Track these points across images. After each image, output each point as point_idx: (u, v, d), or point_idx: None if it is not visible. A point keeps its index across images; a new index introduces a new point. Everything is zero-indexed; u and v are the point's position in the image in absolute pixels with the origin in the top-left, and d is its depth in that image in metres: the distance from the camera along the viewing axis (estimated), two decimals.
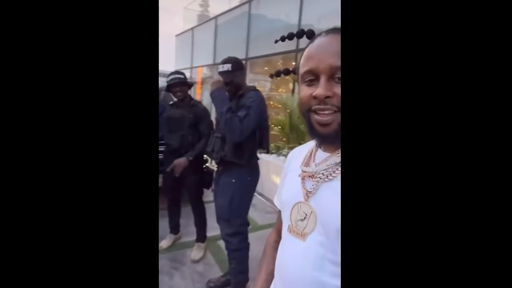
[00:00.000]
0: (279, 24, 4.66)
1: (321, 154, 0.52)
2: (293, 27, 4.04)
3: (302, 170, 0.53)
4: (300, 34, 0.62)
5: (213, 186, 1.70)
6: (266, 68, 5.74)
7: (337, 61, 0.44)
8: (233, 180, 1.48)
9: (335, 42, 0.45)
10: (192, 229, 2.09)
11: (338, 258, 0.43)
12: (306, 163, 0.53)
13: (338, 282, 0.43)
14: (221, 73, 1.49)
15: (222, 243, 2.07)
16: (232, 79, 1.47)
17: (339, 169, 0.47)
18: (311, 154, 0.55)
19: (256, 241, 1.59)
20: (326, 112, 0.45)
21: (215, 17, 6.69)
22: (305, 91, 0.47)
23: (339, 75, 0.44)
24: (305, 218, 0.48)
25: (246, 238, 1.56)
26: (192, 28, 8.14)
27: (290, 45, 4.01)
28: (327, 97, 0.44)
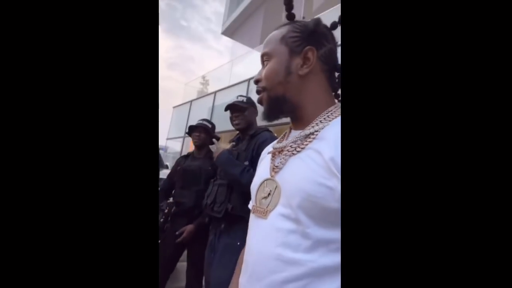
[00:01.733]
0: None
1: (293, 133, 0.53)
2: None
3: (273, 148, 0.53)
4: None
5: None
6: None
7: (264, 49, 0.54)
8: (238, 243, 1.08)
9: (272, 34, 0.54)
10: None
11: (305, 228, 0.41)
12: (279, 141, 0.55)
13: (306, 256, 0.40)
14: (233, 105, 1.37)
15: None
16: (244, 115, 1.35)
17: (308, 140, 0.47)
18: (284, 134, 0.57)
19: None
20: (259, 92, 0.53)
21: (214, 93, 7.16)
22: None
23: (265, 59, 0.53)
24: (269, 195, 0.47)
25: None
26: (190, 101, 8.62)
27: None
28: (257, 80, 0.54)
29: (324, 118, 0.49)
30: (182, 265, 1.73)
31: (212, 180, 1.35)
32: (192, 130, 1.73)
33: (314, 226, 0.41)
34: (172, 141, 9.61)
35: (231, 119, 1.40)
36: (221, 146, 1.29)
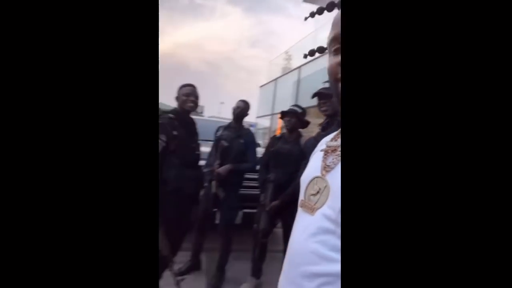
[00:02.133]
0: None
1: None
2: None
3: (326, 145, 0.51)
4: (320, 10, 0.66)
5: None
6: None
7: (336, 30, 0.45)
8: None
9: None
10: (275, 278, 1.87)
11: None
12: (333, 139, 0.53)
13: (339, 256, 0.39)
14: (320, 93, 1.45)
15: None
16: (331, 101, 1.42)
17: None
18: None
19: None
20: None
21: (299, 67, 7.07)
22: (332, 60, 0.47)
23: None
24: (318, 192, 0.47)
25: None
26: (275, 79, 8.78)
27: None
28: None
29: None
30: (280, 231, 1.96)
31: (303, 162, 1.47)
32: (284, 115, 1.87)
33: None
34: (261, 118, 10.13)
35: (319, 106, 1.48)
36: (305, 135, 1.42)
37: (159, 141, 1.46)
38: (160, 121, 1.51)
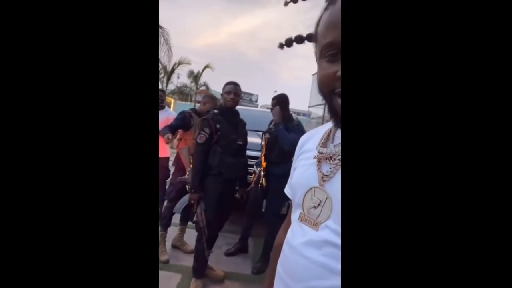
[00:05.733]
0: None
1: (339, 134, 0.46)
2: None
3: (318, 152, 0.47)
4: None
5: None
6: None
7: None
8: None
9: None
10: None
11: None
12: (323, 144, 0.48)
13: None
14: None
15: None
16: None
17: None
18: (329, 134, 0.49)
19: None
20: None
21: None
22: (327, 68, 0.40)
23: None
24: (318, 205, 0.44)
25: None
26: None
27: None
28: None
29: None
30: None
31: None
32: None
33: None
34: (314, 108, 9.89)
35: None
36: None
37: (203, 133, 1.72)
38: (205, 117, 1.77)
